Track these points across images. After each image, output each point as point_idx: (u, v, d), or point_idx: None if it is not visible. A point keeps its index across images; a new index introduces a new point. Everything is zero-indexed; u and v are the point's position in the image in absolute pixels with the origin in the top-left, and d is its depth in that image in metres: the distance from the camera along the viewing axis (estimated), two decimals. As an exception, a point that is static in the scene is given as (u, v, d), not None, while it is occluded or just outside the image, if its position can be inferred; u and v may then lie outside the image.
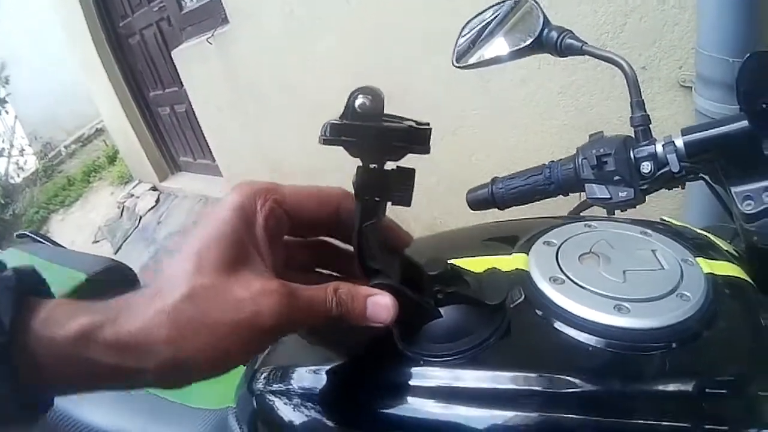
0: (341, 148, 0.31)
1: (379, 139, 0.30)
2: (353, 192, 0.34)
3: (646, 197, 0.65)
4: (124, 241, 4.05)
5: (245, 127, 3.20)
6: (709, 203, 1.12)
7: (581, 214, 0.77)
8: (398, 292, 0.36)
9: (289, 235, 0.37)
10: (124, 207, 4.88)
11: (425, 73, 1.81)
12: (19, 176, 7.45)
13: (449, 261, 0.40)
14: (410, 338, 0.40)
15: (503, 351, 0.38)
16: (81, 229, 5.05)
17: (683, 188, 0.69)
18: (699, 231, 0.58)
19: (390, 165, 0.33)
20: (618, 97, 1.37)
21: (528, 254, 0.45)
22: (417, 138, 0.31)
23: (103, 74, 4.60)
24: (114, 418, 0.75)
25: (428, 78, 1.80)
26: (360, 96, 0.29)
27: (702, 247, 0.49)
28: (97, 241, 4.32)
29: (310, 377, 0.45)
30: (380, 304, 0.34)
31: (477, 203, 0.75)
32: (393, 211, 0.37)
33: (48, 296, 0.32)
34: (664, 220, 0.63)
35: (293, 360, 0.49)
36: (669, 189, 0.68)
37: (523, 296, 0.40)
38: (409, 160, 0.33)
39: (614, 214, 0.70)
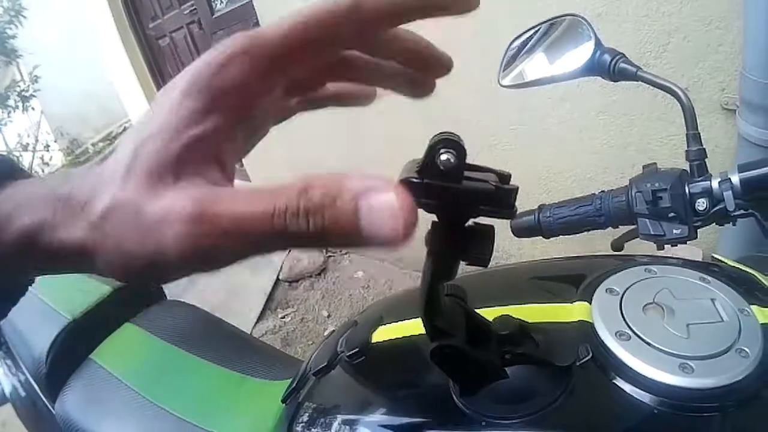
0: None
1: (463, 201, 0.26)
2: (427, 249, 0.30)
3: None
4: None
5: (275, 131, 3.19)
6: (745, 233, 1.10)
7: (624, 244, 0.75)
8: (462, 352, 0.33)
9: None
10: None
11: (462, 84, 1.79)
12: (44, 171, 7.53)
13: (511, 315, 0.38)
14: (471, 397, 0.38)
15: (570, 413, 0.37)
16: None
17: (734, 225, 0.66)
18: (748, 272, 0.57)
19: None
20: (658, 118, 1.34)
21: (590, 303, 0.43)
22: (503, 201, 0.27)
23: (132, 75, 4.64)
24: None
25: (466, 90, 1.78)
26: (444, 152, 0.25)
27: (753, 292, 0.49)
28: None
29: (355, 427, 0.43)
30: (381, 207, 0.20)
31: (522, 230, 0.72)
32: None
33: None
34: (716, 259, 0.62)
35: (338, 404, 0.47)
36: (720, 225, 0.66)
37: (590, 354, 0.39)
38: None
39: (663, 248, 0.68)
